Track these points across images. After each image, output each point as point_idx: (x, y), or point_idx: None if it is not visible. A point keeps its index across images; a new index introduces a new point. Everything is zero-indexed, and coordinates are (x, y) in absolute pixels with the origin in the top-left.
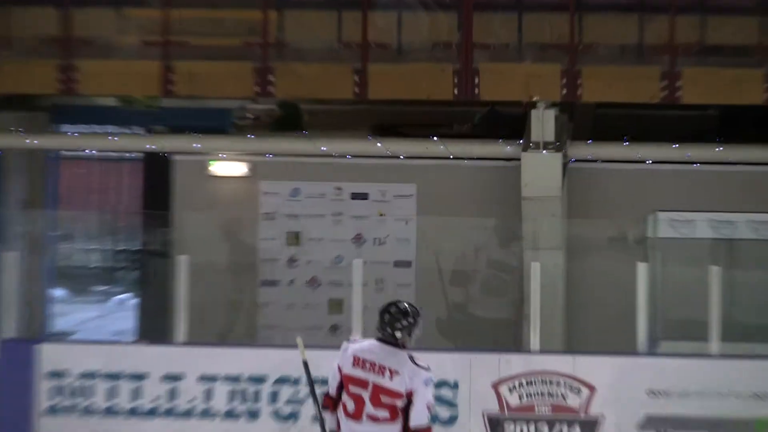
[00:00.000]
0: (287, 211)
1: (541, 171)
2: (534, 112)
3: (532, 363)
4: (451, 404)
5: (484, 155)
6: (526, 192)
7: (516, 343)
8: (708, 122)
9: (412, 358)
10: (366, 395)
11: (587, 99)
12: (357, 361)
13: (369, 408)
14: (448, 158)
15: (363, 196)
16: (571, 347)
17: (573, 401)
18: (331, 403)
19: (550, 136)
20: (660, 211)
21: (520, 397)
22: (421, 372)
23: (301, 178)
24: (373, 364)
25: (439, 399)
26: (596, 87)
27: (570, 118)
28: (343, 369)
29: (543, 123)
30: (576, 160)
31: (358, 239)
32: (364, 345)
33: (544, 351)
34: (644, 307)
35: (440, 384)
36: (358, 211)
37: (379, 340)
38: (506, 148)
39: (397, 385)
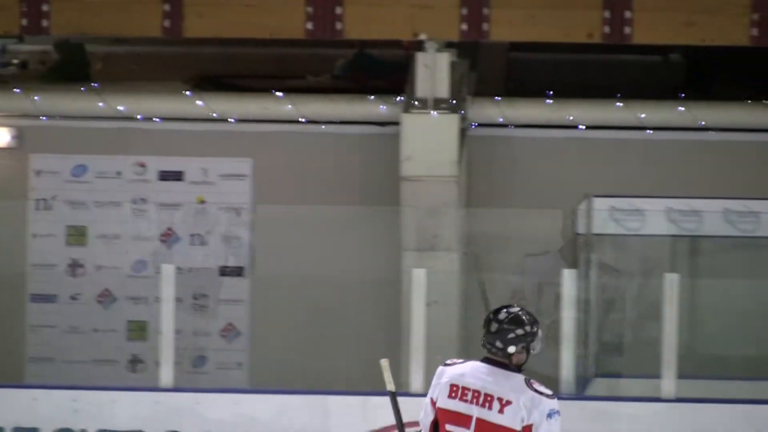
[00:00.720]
0: (69, 196)
1: (429, 140)
2: (420, 57)
3: (412, 410)
4: None
5: (350, 118)
6: (407, 170)
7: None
8: (669, 72)
9: (529, 383)
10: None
11: (496, 38)
12: (455, 390)
13: None
14: (299, 122)
15: (176, 176)
16: None
17: None
18: None
19: (442, 90)
20: (597, 196)
21: None
22: (542, 401)
23: (88, 151)
24: (477, 393)
25: None
26: (509, 21)
27: (472, 65)
28: (437, 402)
29: (433, 72)
30: (480, 125)
31: (169, 237)
32: (465, 368)
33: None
34: (571, 331)
35: None
36: (170, 197)
37: (486, 360)
38: (380, 108)
39: (509, 419)
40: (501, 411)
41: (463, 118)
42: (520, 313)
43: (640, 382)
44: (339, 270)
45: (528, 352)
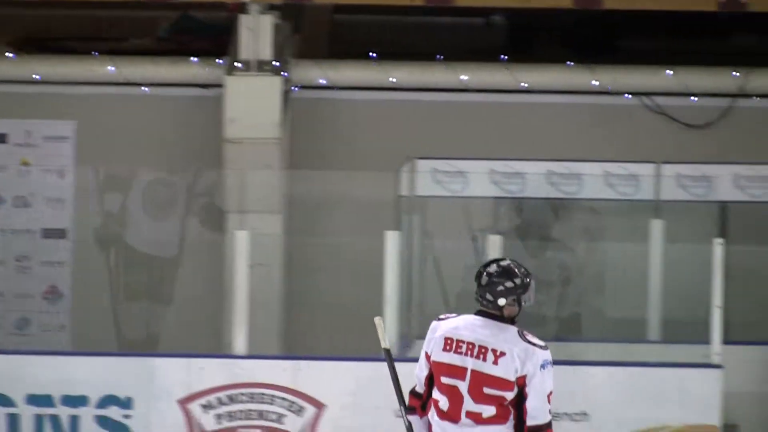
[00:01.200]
0: None
1: (252, 102)
2: (244, 19)
3: (236, 372)
4: (121, 430)
5: (173, 80)
6: (230, 132)
7: (214, 345)
8: (491, 35)
9: (522, 334)
10: (464, 387)
11: (320, 0)
12: (449, 343)
13: (468, 403)
14: (122, 84)
15: (0, 138)
16: (292, 350)
17: (292, 424)
18: (419, 402)
19: (265, 52)
20: (420, 158)
21: (219, 419)
22: (535, 352)
23: None
24: (471, 345)
25: (105, 424)
26: None
27: (296, 28)
28: (432, 356)
29: (256, 35)
30: (303, 87)
31: None
32: (459, 321)
33: (253, 356)
34: (394, 293)
35: (107, 401)
36: None
37: (480, 313)
38: (204, 70)
39: (503, 370)
40: (495, 362)
41: (286, 81)
42: (510, 265)
43: None
44: (163, 232)
45: (520, 304)
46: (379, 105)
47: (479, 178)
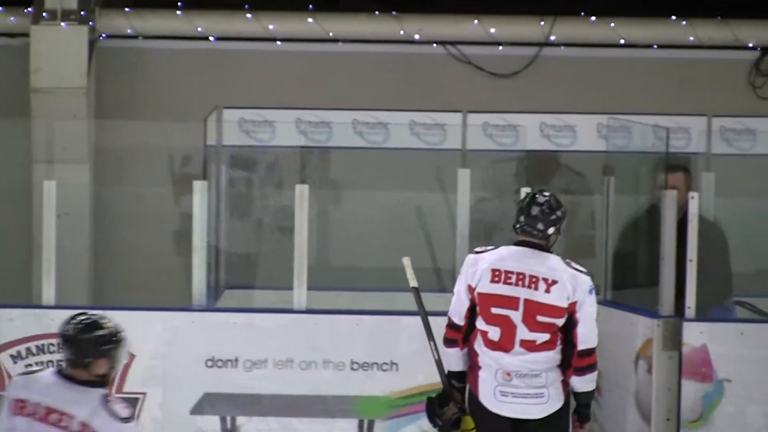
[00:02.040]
0: None
1: (58, 52)
2: None
3: (45, 322)
4: None
5: None
6: (37, 81)
7: (23, 295)
8: None
9: (567, 262)
10: (517, 317)
11: None
12: (497, 275)
13: (523, 332)
14: None
15: None
16: (101, 300)
17: None
18: (459, 335)
19: (71, 2)
20: (227, 107)
21: (29, 369)
22: (582, 278)
23: None
24: (521, 275)
25: None
26: None
27: None
28: (478, 288)
29: None
30: (110, 36)
31: None
32: (502, 253)
33: (62, 306)
34: (201, 244)
35: None
36: None
37: (522, 243)
38: (9, 19)
39: (556, 298)
40: (548, 290)
41: (93, 30)
42: (556, 198)
43: (272, 293)
44: None
45: (559, 233)
46: (186, 54)
47: (286, 128)
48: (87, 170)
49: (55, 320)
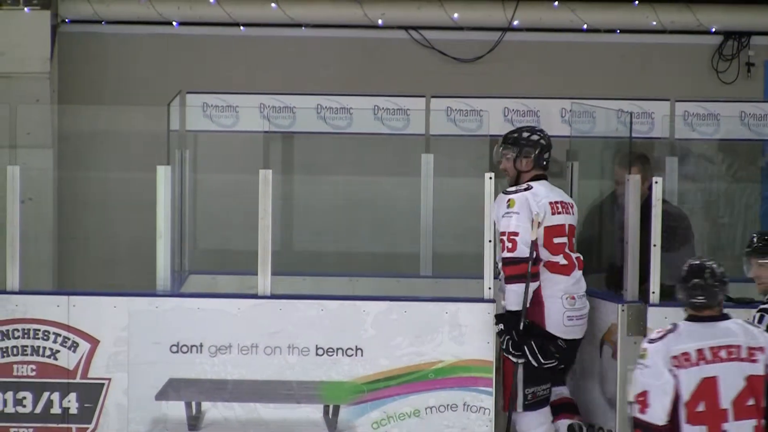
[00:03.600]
0: None
1: (21, 36)
2: None
3: (9, 308)
4: None
5: None
6: (0, 66)
7: None
8: None
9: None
10: (566, 241)
11: None
12: (555, 207)
13: (572, 253)
14: None
15: None
16: (65, 286)
17: (66, 360)
18: (535, 268)
19: None
20: (190, 92)
21: None
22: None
23: None
24: (564, 204)
25: None
26: None
27: None
28: (544, 221)
29: None
30: (73, 21)
31: None
32: (540, 188)
33: (25, 291)
34: (167, 228)
35: None
36: None
37: (540, 177)
38: None
39: (574, 218)
40: (572, 213)
41: (56, 15)
42: None
43: (236, 278)
44: None
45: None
46: (149, 39)
47: (250, 113)
48: (51, 155)
49: (19, 305)
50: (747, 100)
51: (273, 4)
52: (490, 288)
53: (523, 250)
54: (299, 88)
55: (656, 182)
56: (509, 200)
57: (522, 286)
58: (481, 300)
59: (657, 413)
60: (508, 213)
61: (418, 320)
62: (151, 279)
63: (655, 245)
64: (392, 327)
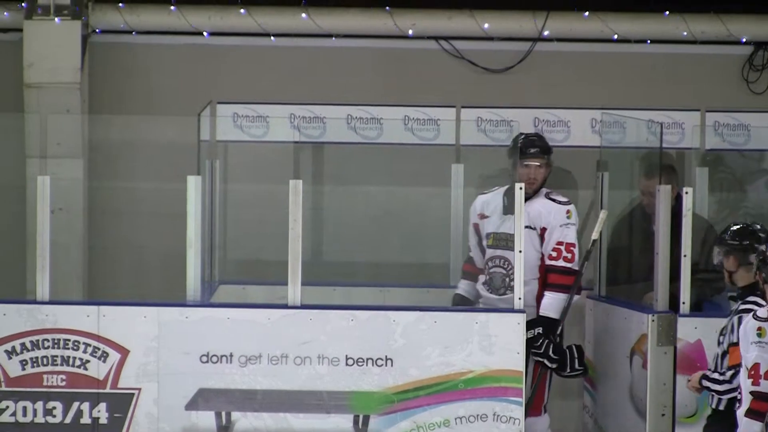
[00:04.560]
0: None
1: (51, 47)
2: None
3: (39, 318)
4: None
5: None
6: (29, 76)
7: (17, 290)
8: None
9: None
10: None
11: None
12: None
13: None
14: None
15: None
16: (95, 296)
17: (96, 370)
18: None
19: None
20: (221, 102)
21: (23, 365)
22: None
23: None
24: None
25: None
26: None
27: None
28: None
29: None
30: (103, 31)
31: None
32: None
33: (56, 301)
34: (196, 238)
35: None
36: None
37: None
38: (3, 14)
39: None
40: None
41: (86, 25)
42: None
43: (266, 289)
44: None
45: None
46: (180, 49)
47: (280, 123)
48: (81, 165)
49: (48, 316)
50: None
51: (303, 15)
52: (520, 298)
53: (578, 263)
54: (329, 98)
55: (686, 192)
56: (568, 211)
57: (567, 296)
58: (512, 310)
59: None
60: (568, 224)
61: (448, 330)
62: (181, 289)
63: (685, 256)
64: (422, 337)
